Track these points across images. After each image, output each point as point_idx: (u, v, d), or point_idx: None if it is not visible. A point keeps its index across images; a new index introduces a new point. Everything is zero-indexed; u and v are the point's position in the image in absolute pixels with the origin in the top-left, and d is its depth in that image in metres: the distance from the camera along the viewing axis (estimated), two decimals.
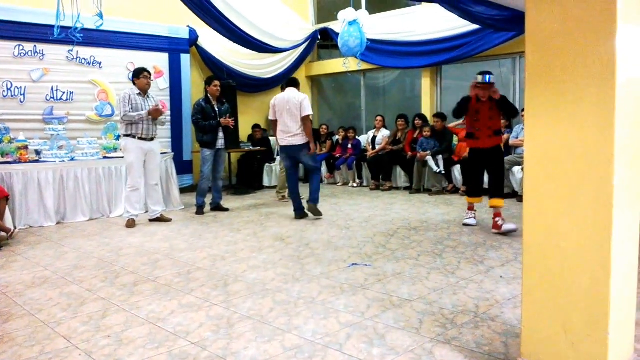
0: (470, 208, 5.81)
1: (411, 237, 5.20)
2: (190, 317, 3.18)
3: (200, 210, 6.92)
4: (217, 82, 6.98)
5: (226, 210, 7.10)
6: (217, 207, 7.12)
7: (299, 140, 6.26)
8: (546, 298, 2.25)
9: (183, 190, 8.02)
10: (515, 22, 5.96)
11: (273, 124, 6.50)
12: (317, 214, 6.34)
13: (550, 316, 2.24)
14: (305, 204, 6.43)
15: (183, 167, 8.33)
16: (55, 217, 6.48)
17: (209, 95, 6.96)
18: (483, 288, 3.59)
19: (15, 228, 5.62)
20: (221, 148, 7.01)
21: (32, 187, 6.36)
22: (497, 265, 4.10)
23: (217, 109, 6.95)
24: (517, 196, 7.20)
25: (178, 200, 7.48)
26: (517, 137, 7.54)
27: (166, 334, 2.94)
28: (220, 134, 6.96)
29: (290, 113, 6.21)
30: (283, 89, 6.73)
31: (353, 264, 4.24)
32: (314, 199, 6.35)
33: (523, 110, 2.57)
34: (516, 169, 7.27)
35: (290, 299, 3.45)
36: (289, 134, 6.26)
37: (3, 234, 5.36)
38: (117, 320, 3.16)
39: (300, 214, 6.40)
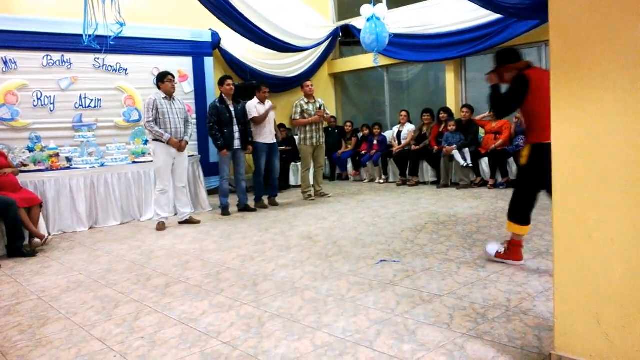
0: (517, 245, 3.99)
1: (440, 231, 5.16)
2: (221, 317, 3.22)
3: (225, 211, 6.99)
4: (229, 81, 6.99)
5: (253, 210, 7.15)
6: (244, 208, 7.18)
7: None
8: (578, 290, 2.21)
9: (210, 192, 8.10)
10: (538, 9, 5.85)
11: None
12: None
13: (583, 308, 2.20)
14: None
15: (210, 169, 8.41)
16: (87, 222, 6.61)
17: (223, 95, 6.99)
18: (514, 281, 3.54)
19: (49, 234, 5.76)
20: (238, 148, 7.04)
21: (64, 193, 6.50)
22: (528, 258, 4.04)
23: (232, 109, 6.97)
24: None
25: (206, 202, 7.57)
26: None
27: (198, 334, 2.97)
28: (237, 135, 6.99)
29: None
30: None
31: (381, 261, 4.22)
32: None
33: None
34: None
35: (319, 297, 3.46)
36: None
37: (37, 240, 5.49)
38: (150, 322, 3.21)
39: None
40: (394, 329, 2.86)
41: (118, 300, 3.66)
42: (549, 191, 2.70)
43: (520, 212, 3.84)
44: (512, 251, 3.96)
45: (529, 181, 3.77)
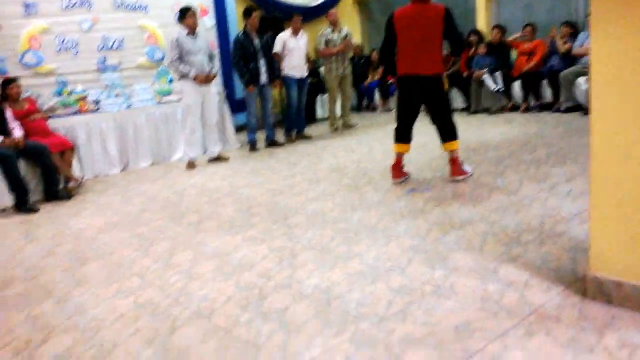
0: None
1: (470, 158, 5.07)
2: (254, 250, 3.27)
3: (253, 147, 6.99)
4: (256, 13, 6.79)
5: (281, 145, 7.14)
6: (272, 143, 7.16)
7: None
8: (615, 211, 2.15)
9: (238, 129, 8.10)
10: None
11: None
12: None
13: (619, 229, 2.14)
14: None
15: (236, 105, 8.36)
16: (119, 164, 6.71)
17: (247, 28, 6.79)
18: (547, 205, 3.48)
19: (82, 177, 5.88)
20: (265, 84, 6.94)
21: (95, 136, 6.58)
22: (561, 182, 3.95)
23: (255, 43, 6.80)
24: (581, 109, 6.82)
25: (234, 139, 7.57)
26: (581, 45, 7.06)
27: (232, 267, 3.04)
28: (263, 69, 6.85)
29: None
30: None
31: (411, 190, 4.19)
32: None
33: (588, 15, 2.35)
34: (581, 79, 6.85)
35: (350, 227, 3.47)
36: None
37: (72, 183, 5.62)
38: (185, 257, 3.29)
39: None
40: (425, 256, 2.86)
41: (153, 238, 3.75)
42: None
43: (396, 133, 4.50)
44: (392, 169, 4.49)
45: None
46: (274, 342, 2.16)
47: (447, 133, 4.31)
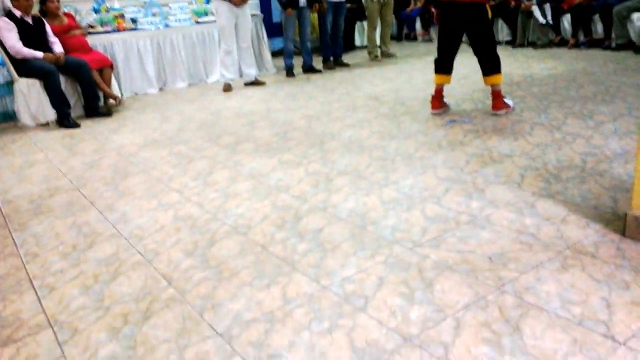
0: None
1: (513, 92, 4.93)
2: (290, 173, 3.30)
3: (290, 72, 6.91)
4: None
5: (318, 71, 7.04)
6: (309, 69, 7.07)
7: None
8: None
9: (275, 54, 7.99)
10: None
11: None
12: None
13: None
14: None
15: (273, 29, 8.21)
16: (157, 84, 6.75)
17: None
18: (591, 143, 3.39)
19: (121, 95, 5.94)
20: (304, 7, 6.75)
21: (133, 55, 6.59)
22: (607, 120, 3.83)
23: None
24: (634, 47, 6.49)
25: (270, 64, 7.50)
26: None
27: (269, 188, 3.08)
28: None
29: None
30: None
31: (451, 121, 4.13)
32: None
33: None
34: (636, 15, 6.48)
35: (387, 156, 3.46)
36: None
37: (112, 100, 5.69)
38: (223, 176, 3.35)
39: None
40: (462, 187, 2.85)
41: (192, 157, 3.81)
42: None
43: (436, 63, 4.40)
44: (432, 100, 4.41)
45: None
46: (309, 260, 2.22)
47: (490, 66, 4.17)
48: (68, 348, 1.78)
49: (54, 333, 1.87)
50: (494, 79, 4.18)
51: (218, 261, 2.28)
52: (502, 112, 4.18)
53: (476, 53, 4.23)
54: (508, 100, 4.28)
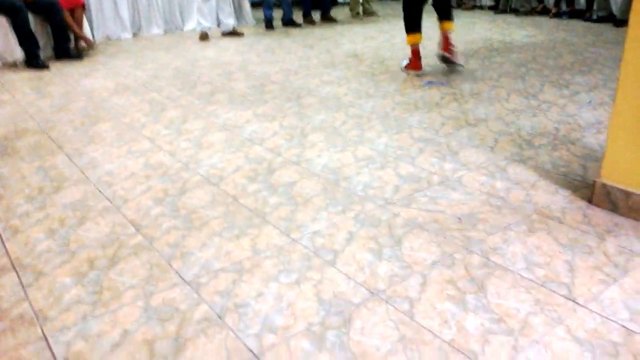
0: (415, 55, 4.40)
1: (492, 58, 4.92)
2: (265, 126, 3.26)
3: (269, 24, 6.76)
4: None
5: (298, 25, 6.90)
6: (288, 22, 6.92)
7: None
8: (637, 119, 2.10)
9: (254, 5, 7.79)
10: None
11: None
12: None
13: (637, 138, 2.11)
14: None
15: None
16: (131, 28, 6.54)
17: None
18: (566, 112, 3.42)
19: (93, 38, 5.74)
20: None
21: None
22: (583, 90, 3.86)
23: None
24: (614, 20, 6.51)
25: (249, 15, 7.32)
26: None
27: (242, 139, 3.04)
28: None
29: None
30: None
31: (429, 82, 4.11)
32: None
33: None
34: None
35: (363, 114, 3.44)
36: None
37: (84, 43, 5.50)
38: (196, 126, 3.29)
39: None
40: (436, 148, 2.86)
41: (165, 105, 3.72)
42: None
43: (407, 24, 4.27)
44: (413, 61, 4.35)
45: None
46: (279, 213, 2.21)
47: (448, 12, 4.29)
48: (32, 291, 1.75)
49: (18, 276, 1.84)
50: (450, 24, 4.28)
51: (188, 210, 2.25)
52: (449, 55, 4.29)
53: (435, 3, 4.31)
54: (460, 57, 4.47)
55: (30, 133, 3.23)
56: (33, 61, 4.90)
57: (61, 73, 4.72)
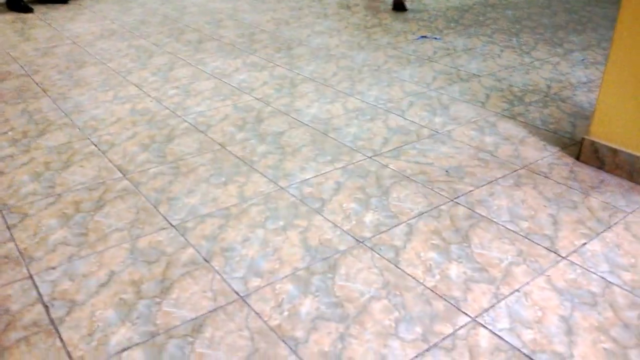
0: None
1: (487, 14, 4.84)
2: (254, 75, 3.21)
3: None
4: None
5: None
6: None
7: None
8: (629, 81, 2.09)
9: None
10: None
11: None
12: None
13: (628, 99, 2.10)
14: None
15: None
16: None
17: None
18: (558, 70, 3.40)
19: None
20: None
21: None
22: (576, 49, 3.83)
23: None
24: None
25: None
26: None
27: (231, 88, 3.00)
28: None
29: None
30: None
31: (422, 37, 4.05)
32: None
33: None
34: None
35: (354, 66, 3.39)
36: None
37: None
38: (184, 74, 3.23)
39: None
40: (427, 102, 2.84)
41: (152, 51, 3.64)
42: None
43: None
44: None
45: None
46: (267, 162, 2.20)
47: None
48: (17, 232, 1.74)
49: (3, 216, 1.83)
50: None
51: (175, 157, 2.23)
52: None
53: None
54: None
55: (14, 76, 3.16)
56: (16, 4, 4.74)
57: (45, 17, 4.58)
